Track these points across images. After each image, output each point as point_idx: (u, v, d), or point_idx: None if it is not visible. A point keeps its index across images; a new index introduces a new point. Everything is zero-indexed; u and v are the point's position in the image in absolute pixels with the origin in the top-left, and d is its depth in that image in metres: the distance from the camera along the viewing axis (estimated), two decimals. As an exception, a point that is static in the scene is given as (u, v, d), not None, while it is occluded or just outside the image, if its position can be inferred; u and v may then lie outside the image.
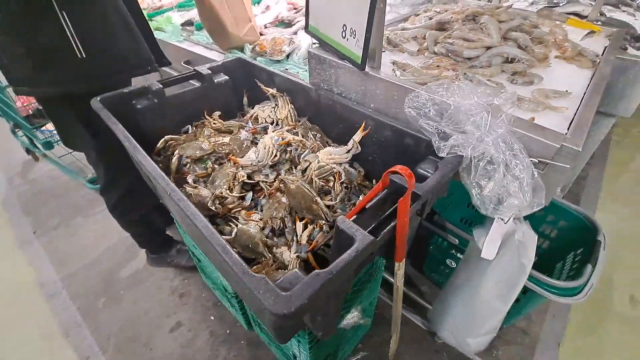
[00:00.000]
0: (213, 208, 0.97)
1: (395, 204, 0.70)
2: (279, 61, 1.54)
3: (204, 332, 1.60)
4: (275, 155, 1.08)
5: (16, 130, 2.56)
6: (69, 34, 1.01)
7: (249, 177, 1.06)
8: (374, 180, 1.11)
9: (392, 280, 1.60)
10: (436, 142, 0.80)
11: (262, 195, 1.05)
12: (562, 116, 0.91)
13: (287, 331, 0.77)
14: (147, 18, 1.33)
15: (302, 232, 0.94)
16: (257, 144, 1.15)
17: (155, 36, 1.39)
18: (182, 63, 1.76)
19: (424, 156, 0.87)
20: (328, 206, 0.97)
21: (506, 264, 0.94)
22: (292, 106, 1.26)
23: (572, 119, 0.88)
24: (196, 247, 1.40)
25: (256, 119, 1.30)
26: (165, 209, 1.91)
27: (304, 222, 0.96)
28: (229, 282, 1.04)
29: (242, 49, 1.65)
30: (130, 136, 0.91)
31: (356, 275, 0.89)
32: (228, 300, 1.52)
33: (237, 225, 0.95)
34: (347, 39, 0.98)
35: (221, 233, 0.83)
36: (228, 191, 1.00)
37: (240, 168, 1.06)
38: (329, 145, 1.18)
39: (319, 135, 1.20)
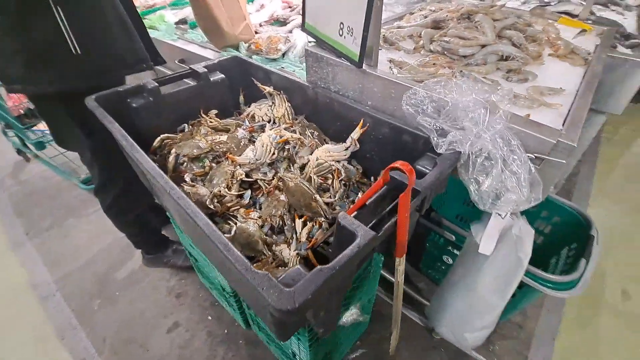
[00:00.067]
0: (211, 206, 0.96)
1: (394, 200, 0.70)
2: (274, 60, 1.54)
3: (201, 332, 1.59)
4: (273, 154, 1.08)
5: (7, 130, 2.51)
6: (64, 30, 0.99)
7: (247, 175, 1.06)
8: (372, 178, 1.12)
9: (390, 277, 1.63)
10: (434, 138, 0.80)
11: (260, 193, 1.05)
12: (556, 113, 0.93)
13: (289, 328, 0.78)
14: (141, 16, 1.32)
15: (302, 229, 0.94)
16: (254, 142, 1.15)
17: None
18: (176, 62, 1.75)
19: (421, 153, 0.88)
20: (327, 203, 0.97)
21: (503, 258, 0.95)
22: (289, 104, 1.26)
23: (567, 116, 0.90)
24: (193, 247, 1.40)
25: (253, 117, 1.30)
26: (160, 209, 1.90)
27: (303, 219, 0.96)
28: (229, 280, 1.03)
29: (237, 48, 1.65)
30: (127, 135, 0.90)
31: (356, 271, 0.89)
32: (226, 300, 1.51)
33: (236, 224, 0.95)
34: (345, 37, 0.98)
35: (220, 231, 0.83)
36: (226, 189, 1.00)
37: (238, 166, 1.06)
38: (327, 143, 1.18)
39: (316, 133, 1.20)
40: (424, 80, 0.95)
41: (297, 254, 0.89)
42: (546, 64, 1.18)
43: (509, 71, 1.08)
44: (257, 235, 0.91)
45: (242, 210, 1.00)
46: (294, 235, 0.95)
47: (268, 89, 1.27)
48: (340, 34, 0.99)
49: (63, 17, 0.98)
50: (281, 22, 1.92)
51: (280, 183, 1.03)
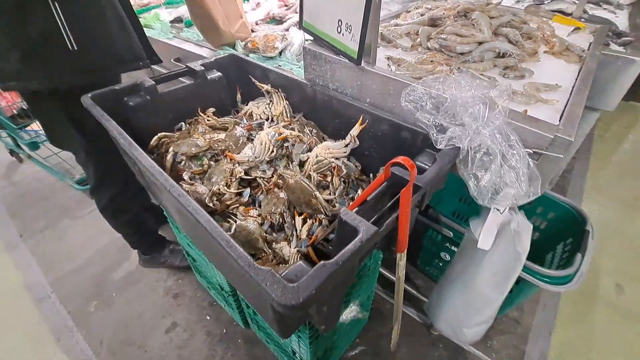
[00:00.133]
0: (211, 205, 0.96)
1: (395, 196, 0.70)
2: (271, 58, 1.54)
3: (200, 332, 1.58)
4: (272, 151, 1.08)
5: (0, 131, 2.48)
6: (60, 26, 0.98)
7: (246, 173, 1.06)
8: (371, 175, 1.12)
9: (388, 275, 1.64)
10: (434, 134, 0.81)
11: (259, 191, 1.05)
12: (553, 108, 0.94)
13: (291, 325, 0.78)
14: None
15: (302, 227, 0.94)
16: (252, 140, 1.15)
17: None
18: (172, 60, 1.73)
19: (420, 149, 0.88)
20: (327, 200, 0.97)
21: (502, 253, 0.96)
22: (287, 102, 1.25)
23: (563, 111, 0.91)
24: (191, 247, 1.39)
25: (250, 115, 1.30)
26: (156, 208, 1.89)
27: (303, 217, 0.96)
28: (229, 278, 1.03)
29: (233, 46, 1.64)
30: (124, 133, 0.89)
31: (358, 267, 0.90)
32: (224, 299, 1.51)
33: (235, 222, 0.94)
34: (343, 34, 0.99)
35: (220, 229, 0.83)
36: (225, 187, 0.99)
37: (237, 164, 1.06)
38: (325, 141, 1.18)
39: (314, 130, 1.20)
40: (422, 77, 0.95)
41: (298, 251, 0.89)
42: (542, 60, 1.19)
43: (506, 68, 1.09)
44: (257, 232, 0.91)
45: (241, 208, 1.00)
46: (294, 233, 0.95)
47: (266, 86, 1.27)
48: (339, 31, 0.99)
49: (60, 13, 0.97)
50: (277, 20, 1.92)
51: (280, 180, 1.02)
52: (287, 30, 1.73)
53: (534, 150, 0.81)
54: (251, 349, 1.52)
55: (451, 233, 1.27)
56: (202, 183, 1.04)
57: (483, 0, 1.43)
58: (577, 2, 1.74)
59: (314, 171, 1.02)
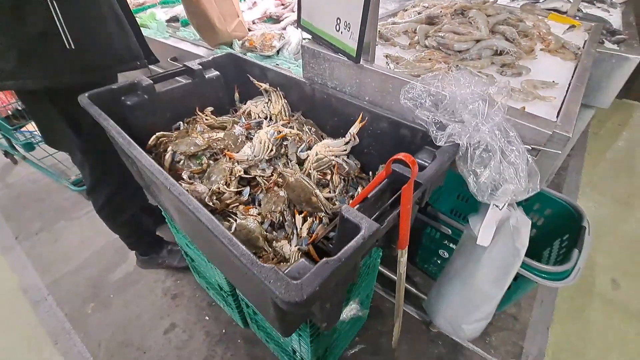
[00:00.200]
0: (210, 204, 0.95)
1: (395, 193, 0.71)
2: (269, 57, 1.54)
3: (199, 332, 1.57)
4: (272, 150, 1.08)
5: (-7, 132, 2.45)
6: (58, 24, 0.97)
7: (246, 172, 1.06)
8: (370, 173, 1.12)
9: (387, 273, 1.64)
10: (433, 131, 0.81)
11: (259, 190, 1.04)
12: (550, 105, 0.95)
13: (292, 323, 0.78)
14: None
15: (302, 225, 0.94)
16: (251, 139, 1.15)
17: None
18: (168, 60, 1.73)
19: (419, 146, 0.88)
20: (327, 198, 0.97)
21: (501, 249, 0.97)
22: (286, 101, 1.25)
23: (560, 108, 0.92)
24: (190, 247, 1.38)
25: (249, 114, 1.29)
26: (153, 209, 1.88)
27: (303, 215, 0.96)
28: (230, 277, 1.02)
29: (230, 45, 1.64)
30: (123, 132, 0.89)
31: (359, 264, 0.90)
32: (224, 299, 1.50)
33: (235, 221, 0.94)
34: (342, 32, 0.99)
35: (221, 228, 0.83)
36: (225, 186, 0.99)
37: (236, 163, 1.05)
38: (324, 139, 1.18)
39: (313, 129, 1.20)
40: (420, 75, 0.96)
41: (299, 249, 0.88)
42: (538, 58, 1.20)
43: (503, 65, 1.09)
44: (258, 231, 0.91)
45: (241, 207, 1.00)
46: (295, 231, 0.95)
47: (264, 85, 1.27)
48: (337, 29, 0.99)
49: (58, 12, 0.96)
50: (274, 19, 1.91)
51: (280, 179, 1.02)
52: (284, 29, 1.73)
53: (532, 146, 0.82)
54: (251, 348, 1.51)
55: (450, 230, 1.27)
56: (202, 182, 1.03)
57: (479, -2, 1.44)
58: (571, 0, 1.75)
59: (313, 169, 1.02)
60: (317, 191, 0.95)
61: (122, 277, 1.82)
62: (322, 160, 1.02)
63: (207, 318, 1.63)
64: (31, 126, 2.26)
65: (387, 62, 1.12)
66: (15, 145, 2.39)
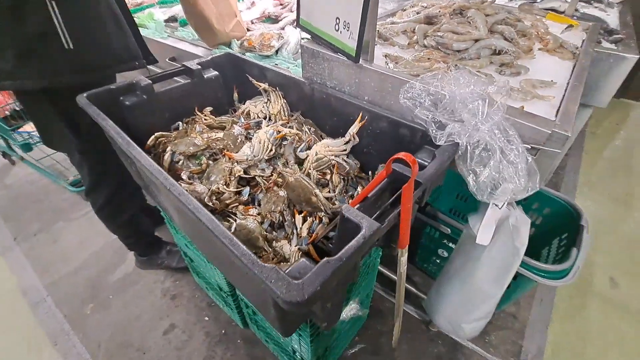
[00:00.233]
0: (210, 204, 0.95)
1: (395, 192, 0.71)
2: (268, 56, 1.54)
3: (199, 333, 1.57)
4: (271, 150, 1.08)
5: (-9, 133, 2.43)
6: (57, 23, 0.97)
7: (245, 172, 1.05)
8: (369, 172, 1.12)
9: (387, 273, 1.64)
10: (433, 131, 0.81)
11: (259, 190, 1.04)
12: (549, 104, 0.95)
13: (293, 323, 0.78)
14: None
15: (302, 224, 0.94)
16: (251, 139, 1.14)
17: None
18: (167, 60, 1.72)
19: (419, 146, 0.89)
20: (326, 198, 0.97)
21: (501, 248, 0.97)
22: (285, 101, 1.25)
23: (559, 107, 0.92)
24: (189, 247, 1.38)
25: (248, 114, 1.29)
26: (152, 209, 1.88)
27: (302, 214, 0.96)
28: (230, 277, 1.02)
29: (229, 45, 1.64)
30: (122, 132, 0.89)
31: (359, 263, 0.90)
32: (223, 300, 1.50)
33: (235, 221, 0.94)
34: (341, 32, 0.99)
35: (221, 228, 0.82)
36: (225, 186, 0.99)
37: (236, 163, 1.05)
38: (323, 139, 1.18)
39: (312, 129, 1.20)
40: (419, 75, 0.96)
41: (299, 249, 0.88)
42: (537, 57, 1.21)
43: (502, 65, 1.10)
44: (258, 231, 0.91)
45: (241, 207, 1.00)
46: (294, 231, 0.95)
47: (263, 85, 1.27)
48: (337, 29, 0.99)
49: (57, 12, 0.96)
50: (273, 19, 1.91)
51: (279, 179, 1.02)
52: (282, 29, 1.73)
53: (531, 145, 0.82)
54: (251, 349, 1.51)
55: (449, 230, 1.27)
56: (201, 182, 1.03)
57: (478, -2, 1.44)
58: (569, 0, 1.76)
59: (313, 169, 1.02)
60: (317, 191, 0.95)
61: (121, 278, 1.81)
62: (321, 160, 1.02)
63: (206, 318, 1.62)
64: (29, 127, 2.25)
65: (386, 62, 1.12)
66: (13, 146, 2.38)
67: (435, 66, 1.08)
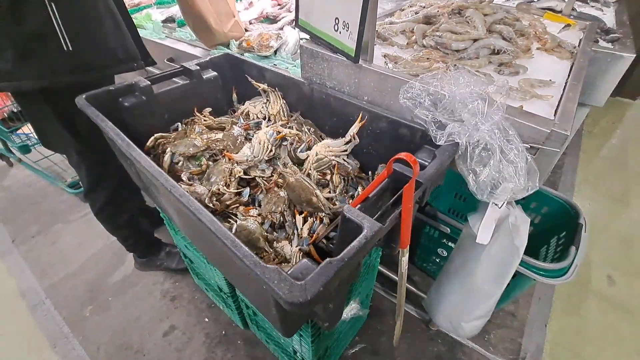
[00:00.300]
0: (210, 205, 0.95)
1: (396, 192, 0.71)
2: (266, 57, 1.53)
3: (199, 334, 1.57)
4: (271, 151, 1.08)
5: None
6: (55, 24, 0.96)
7: (245, 172, 1.05)
8: (369, 172, 1.12)
9: (387, 272, 1.65)
10: (433, 130, 0.82)
11: (259, 190, 1.04)
12: (547, 104, 0.96)
13: (295, 324, 0.78)
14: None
15: (303, 225, 0.94)
16: (250, 139, 1.14)
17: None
18: (165, 60, 1.72)
19: (419, 146, 0.89)
20: (327, 198, 0.98)
21: (500, 247, 0.98)
22: (284, 101, 1.25)
23: (557, 106, 0.93)
24: (189, 248, 1.38)
25: (247, 115, 1.29)
26: (151, 211, 1.87)
27: (303, 215, 0.96)
28: (232, 278, 1.02)
29: (227, 46, 1.63)
30: (122, 134, 0.88)
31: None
32: (223, 301, 1.50)
33: (236, 222, 0.94)
34: (340, 32, 0.99)
35: (222, 229, 0.82)
36: (225, 187, 0.99)
37: (236, 164, 1.05)
38: (323, 140, 1.18)
39: (312, 129, 1.20)
40: (419, 74, 0.96)
41: (300, 249, 0.89)
42: (535, 57, 1.21)
43: (501, 64, 1.10)
44: (258, 232, 0.91)
45: (241, 208, 1.00)
46: (295, 231, 0.95)
47: (262, 86, 1.26)
48: (336, 29, 0.99)
49: (55, 12, 0.95)
50: (271, 19, 1.91)
51: (280, 179, 1.02)
52: (281, 29, 1.72)
53: (531, 144, 0.82)
54: (251, 349, 1.51)
55: (448, 229, 1.28)
56: (201, 183, 1.03)
57: (476, -2, 1.44)
58: (565, 0, 1.77)
59: (313, 169, 1.02)
60: (318, 191, 0.95)
61: (120, 280, 1.81)
62: (322, 160, 1.02)
63: (206, 320, 1.62)
64: (27, 128, 2.24)
65: (385, 62, 1.12)
66: (11, 148, 2.37)
67: (435, 66, 1.08)
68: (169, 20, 1.93)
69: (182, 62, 1.25)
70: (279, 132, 1.10)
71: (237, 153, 1.09)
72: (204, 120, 1.23)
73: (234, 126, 1.20)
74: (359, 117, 1.05)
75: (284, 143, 1.11)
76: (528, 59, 1.18)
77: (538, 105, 0.94)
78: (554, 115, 0.88)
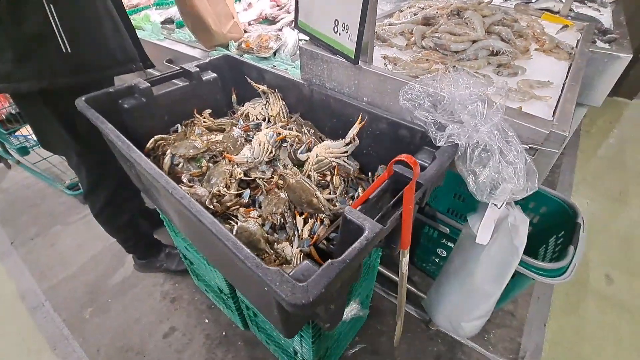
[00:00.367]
0: (211, 206, 0.95)
1: (395, 194, 0.71)
2: (266, 58, 1.54)
3: (199, 335, 1.57)
4: (271, 152, 1.08)
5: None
6: (54, 27, 0.96)
7: (246, 174, 1.06)
8: (369, 174, 1.13)
9: (386, 272, 1.65)
10: (433, 132, 0.82)
11: (259, 192, 1.05)
12: (546, 105, 0.96)
13: (296, 325, 0.78)
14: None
15: (303, 226, 0.94)
16: (250, 141, 1.15)
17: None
18: (164, 62, 1.72)
19: (418, 147, 0.89)
20: (327, 200, 0.98)
21: (500, 247, 0.98)
22: (284, 102, 1.25)
23: (556, 107, 0.93)
24: (189, 250, 1.38)
25: (247, 116, 1.29)
26: (151, 212, 1.87)
27: (303, 216, 0.96)
28: (233, 279, 1.02)
29: (227, 47, 1.63)
30: (122, 136, 0.88)
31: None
32: (223, 302, 1.50)
33: (236, 223, 0.94)
34: (340, 34, 0.99)
35: (223, 231, 0.82)
36: (225, 189, 0.99)
37: (236, 165, 1.05)
38: (323, 141, 1.19)
39: (312, 130, 1.20)
40: (418, 76, 0.97)
41: (300, 251, 0.89)
42: (533, 58, 1.22)
43: (499, 65, 1.11)
44: (259, 233, 0.91)
45: (241, 209, 1.00)
46: (296, 233, 0.95)
47: (262, 87, 1.27)
48: (335, 30, 1.00)
49: (54, 14, 0.95)
50: (270, 20, 1.91)
51: (280, 181, 1.03)
52: (280, 30, 1.73)
53: (530, 145, 0.83)
54: (251, 350, 1.51)
55: (448, 229, 1.28)
56: (202, 185, 1.03)
57: (474, -1, 1.45)
58: (563, 0, 1.78)
59: (314, 171, 1.03)
60: (318, 192, 0.95)
61: (120, 282, 1.81)
62: (322, 161, 1.02)
63: (206, 321, 1.62)
64: (25, 130, 2.23)
65: (384, 63, 1.13)
66: (9, 150, 2.36)
67: (434, 67, 1.08)
68: (168, 21, 1.93)
69: (181, 64, 1.25)
70: (279, 134, 1.10)
71: (237, 154, 1.10)
72: (204, 122, 1.23)
73: (233, 128, 1.21)
74: (359, 118, 1.05)
75: (284, 144, 1.11)
76: (526, 60, 1.19)
77: (537, 106, 0.95)
78: (553, 116, 0.88)
